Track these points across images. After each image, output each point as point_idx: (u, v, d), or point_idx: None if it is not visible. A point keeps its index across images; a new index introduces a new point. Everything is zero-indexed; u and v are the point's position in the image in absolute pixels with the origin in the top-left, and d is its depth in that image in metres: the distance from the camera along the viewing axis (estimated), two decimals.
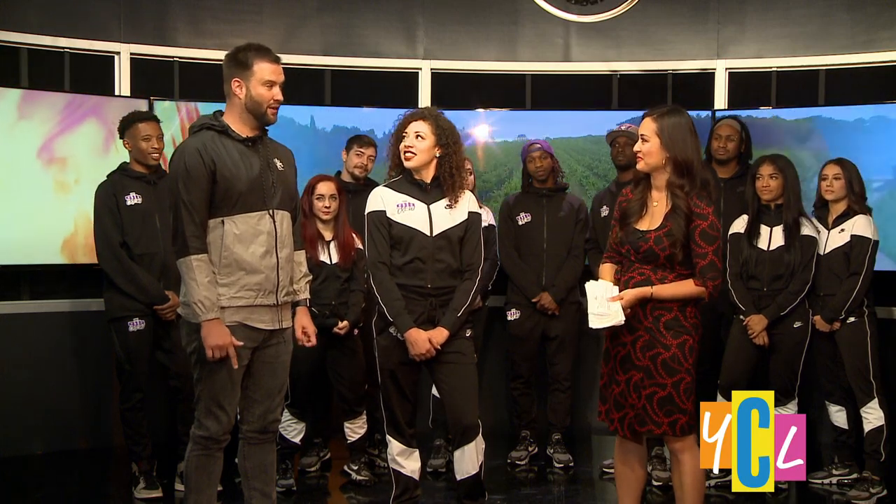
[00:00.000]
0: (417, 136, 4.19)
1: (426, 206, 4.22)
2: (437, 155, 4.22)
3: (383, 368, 4.25)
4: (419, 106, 6.60)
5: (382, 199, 4.24)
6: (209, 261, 3.63)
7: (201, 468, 3.74)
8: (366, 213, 4.27)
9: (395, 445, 4.30)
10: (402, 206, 4.21)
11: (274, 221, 3.72)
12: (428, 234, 4.20)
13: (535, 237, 5.68)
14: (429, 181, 4.24)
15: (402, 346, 4.20)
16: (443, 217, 4.22)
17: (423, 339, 4.14)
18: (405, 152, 4.21)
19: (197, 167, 3.61)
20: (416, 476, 4.34)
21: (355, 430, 5.28)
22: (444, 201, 4.23)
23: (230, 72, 3.72)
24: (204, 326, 3.59)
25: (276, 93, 3.72)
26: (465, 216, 4.25)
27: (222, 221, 3.65)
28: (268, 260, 3.70)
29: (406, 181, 4.26)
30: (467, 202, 4.28)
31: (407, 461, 4.31)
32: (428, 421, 5.66)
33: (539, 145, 5.70)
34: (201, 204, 3.61)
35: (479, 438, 4.28)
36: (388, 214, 4.21)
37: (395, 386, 4.26)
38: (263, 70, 3.70)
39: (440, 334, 4.18)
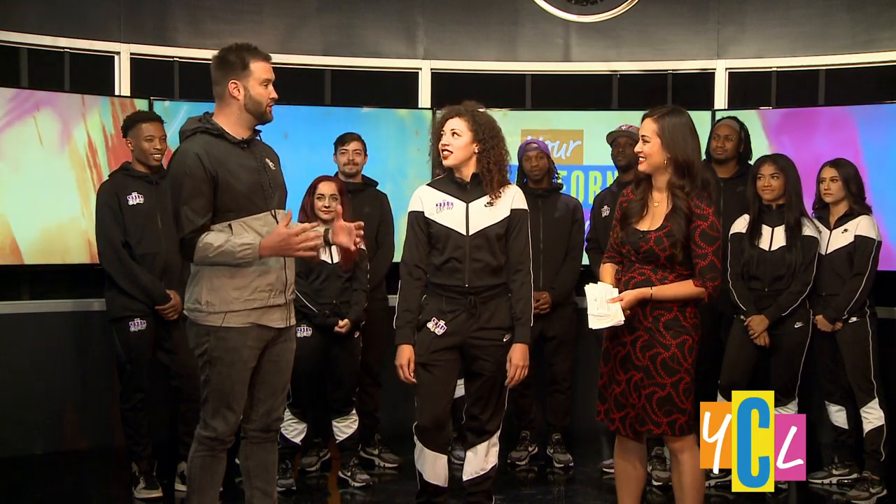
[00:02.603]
0: (454, 133, 4.10)
1: (465, 204, 4.13)
2: (476, 151, 4.11)
3: (418, 364, 4.13)
4: (419, 106, 6.62)
5: (421, 200, 4.18)
6: (217, 230, 3.61)
7: (206, 469, 3.73)
8: (408, 212, 4.23)
9: (420, 447, 4.20)
10: (441, 204, 4.14)
11: (277, 221, 3.71)
12: (464, 233, 4.11)
13: (531, 238, 5.65)
14: (468, 179, 4.14)
15: (438, 341, 4.11)
16: (481, 215, 4.12)
17: (407, 357, 4.10)
18: (442, 150, 4.12)
19: (198, 172, 3.57)
20: (441, 482, 4.23)
21: (343, 429, 5.28)
22: (485, 199, 4.12)
23: (224, 74, 3.69)
24: (262, 250, 3.56)
25: (272, 91, 3.72)
26: (506, 213, 4.14)
27: (230, 225, 3.63)
28: (277, 259, 3.70)
29: (448, 179, 4.18)
30: (511, 198, 4.16)
31: (433, 467, 4.21)
32: None
33: (536, 144, 5.69)
34: (204, 209, 3.59)
35: (494, 439, 4.22)
36: (427, 214, 4.14)
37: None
38: (260, 69, 3.68)
39: (522, 353, 4.14)
